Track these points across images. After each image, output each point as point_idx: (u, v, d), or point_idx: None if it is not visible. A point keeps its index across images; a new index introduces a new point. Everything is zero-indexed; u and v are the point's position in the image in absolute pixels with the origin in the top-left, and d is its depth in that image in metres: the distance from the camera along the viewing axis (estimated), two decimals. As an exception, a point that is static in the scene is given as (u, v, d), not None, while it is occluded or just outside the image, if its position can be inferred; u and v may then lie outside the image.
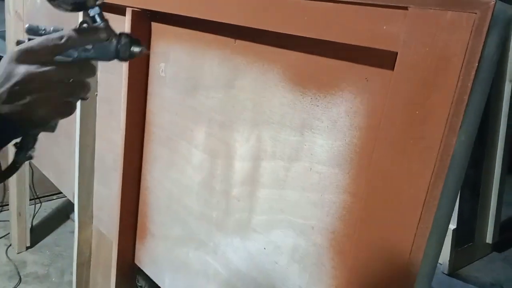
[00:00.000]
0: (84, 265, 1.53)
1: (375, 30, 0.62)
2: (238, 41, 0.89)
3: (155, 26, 1.10)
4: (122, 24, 1.11)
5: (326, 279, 0.77)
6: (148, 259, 1.23)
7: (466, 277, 2.13)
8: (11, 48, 0.87)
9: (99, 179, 1.44)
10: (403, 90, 0.60)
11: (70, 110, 0.53)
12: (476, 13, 0.53)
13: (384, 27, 0.61)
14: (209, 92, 0.97)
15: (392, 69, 0.63)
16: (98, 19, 0.52)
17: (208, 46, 0.96)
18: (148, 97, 1.15)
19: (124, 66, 1.12)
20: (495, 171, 2.17)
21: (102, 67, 1.35)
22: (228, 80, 0.91)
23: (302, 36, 0.73)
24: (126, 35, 0.53)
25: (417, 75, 0.58)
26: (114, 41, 0.52)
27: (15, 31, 1.83)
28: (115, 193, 1.34)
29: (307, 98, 0.77)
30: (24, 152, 0.56)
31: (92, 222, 1.49)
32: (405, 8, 0.59)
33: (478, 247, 2.28)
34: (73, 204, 2.43)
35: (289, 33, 0.73)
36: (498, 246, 2.36)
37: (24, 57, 0.50)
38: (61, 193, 2.61)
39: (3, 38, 2.72)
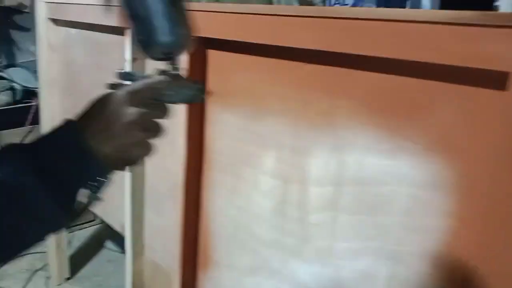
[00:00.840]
0: (137, 297, 1.50)
1: (481, 50, 0.60)
2: (309, 65, 0.87)
3: (211, 53, 1.09)
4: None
5: (428, 306, 0.74)
6: (212, 289, 1.21)
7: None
8: (83, 87, 0.84)
9: (151, 208, 1.41)
10: (522, 111, 0.58)
11: (151, 150, 0.56)
12: None
13: (492, 46, 0.59)
14: (278, 118, 0.95)
15: (497, 88, 0.61)
16: (177, 67, 0.57)
17: (274, 71, 0.95)
18: (207, 123, 1.13)
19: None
20: None
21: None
22: (301, 104, 0.89)
23: (387, 57, 0.71)
24: (199, 83, 0.60)
25: (539, 94, 0.56)
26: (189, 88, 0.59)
27: (47, 62, 1.83)
28: (171, 222, 1.32)
29: (396, 120, 0.75)
30: (98, 192, 0.55)
31: (144, 253, 1.47)
32: (510, 26, 0.57)
33: None
34: (107, 232, 2.42)
35: (377, 55, 0.71)
36: None
37: (133, 99, 0.53)
38: (93, 220, 2.59)
39: (26, 68, 2.75)
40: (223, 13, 0.98)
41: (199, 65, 1.09)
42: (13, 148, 0.51)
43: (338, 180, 0.85)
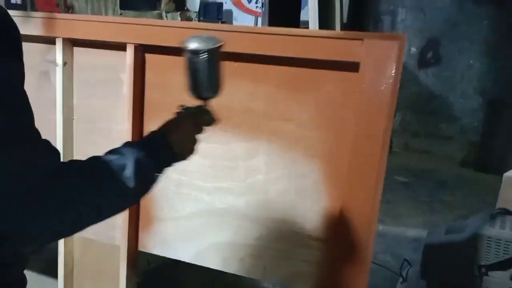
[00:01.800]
0: (68, 276, 1.67)
1: (345, 49, 1.18)
2: (237, 63, 1.33)
3: (149, 56, 1.43)
4: (122, 57, 1.40)
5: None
6: (155, 241, 1.53)
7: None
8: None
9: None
10: (367, 82, 1.17)
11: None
12: (397, 41, 1.14)
13: (351, 48, 1.17)
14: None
15: (354, 71, 1.20)
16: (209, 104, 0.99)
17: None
18: (146, 109, 1.46)
19: (127, 93, 1.41)
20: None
21: (79, 94, 1.56)
22: (233, 89, 1.34)
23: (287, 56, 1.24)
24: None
25: (372, 71, 1.16)
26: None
27: None
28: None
29: (296, 94, 1.28)
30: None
31: (74, 234, 1.65)
32: (362, 39, 1.16)
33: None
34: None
35: (288, 56, 1.23)
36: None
37: (198, 128, 0.96)
38: None
39: None
40: (160, 26, 1.36)
41: (139, 67, 1.42)
42: (128, 143, 0.87)
43: (258, 135, 1.33)
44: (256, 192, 1.38)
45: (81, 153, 1.60)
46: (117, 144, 0.85)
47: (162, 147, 0.88)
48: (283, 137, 1.32)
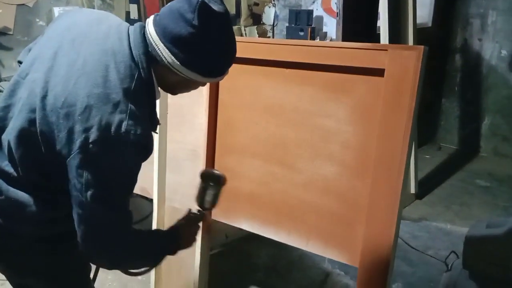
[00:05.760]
0: (160, 236, 2.12)
1: (374, 58, 1.41)
2: (288, 70, 1.64)
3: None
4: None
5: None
6: (225, 214, 1.90)
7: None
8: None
9: (172, 170, 2.06)
10: (390, 85, 1.40)
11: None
12: (416, 51, 1.35)
13: (377, 57, 1.41)
14: (269, 99, 1.70)
15: (379, 76, 1.43)
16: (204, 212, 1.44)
17: (265, 73, 1.69)
18: (219, 106, 1.84)
19: (205, 95, 1.80)
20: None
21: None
22: (285, 90, 1.65)
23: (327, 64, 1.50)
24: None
25: (395, 76, 1.38)
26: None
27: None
28: (190, 177, 1.99)
29: (336, 93, 1.54)
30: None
31: (165, 202, 2.10)
32: (386, 49, 1.39)
33: (406, 196, 3.22)
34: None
35: (327, 63, 1.50)
36: (419, 195, 3.33)
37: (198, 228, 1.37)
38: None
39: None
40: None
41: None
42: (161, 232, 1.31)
43: (304, 128, 1.62)
44: (301, 175, 1.66)
45: (172, 139, 2.04)
46: (197, 132, 1.38)
47: (175, 244, 1.29)
48: (324, 130, 1.59)
